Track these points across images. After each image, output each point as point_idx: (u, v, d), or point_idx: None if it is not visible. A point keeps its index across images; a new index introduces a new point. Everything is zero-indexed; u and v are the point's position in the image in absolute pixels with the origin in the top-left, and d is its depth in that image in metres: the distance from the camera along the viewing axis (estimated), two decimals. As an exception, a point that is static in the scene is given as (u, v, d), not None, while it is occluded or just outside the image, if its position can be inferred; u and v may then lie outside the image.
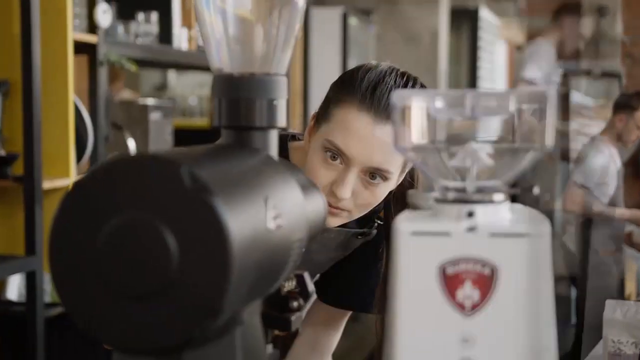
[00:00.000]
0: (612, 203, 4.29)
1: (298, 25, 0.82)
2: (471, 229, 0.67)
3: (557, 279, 4.06)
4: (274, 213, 0.69)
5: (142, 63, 3.13)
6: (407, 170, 1.34)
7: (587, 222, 4.28)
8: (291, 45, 0.82)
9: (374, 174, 1.25)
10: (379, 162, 1.23)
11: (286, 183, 0.75)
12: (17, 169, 2.42)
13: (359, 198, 1.27)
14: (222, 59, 0.81)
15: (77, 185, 0.62)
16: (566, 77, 4.59)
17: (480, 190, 0.70)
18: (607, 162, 4.30)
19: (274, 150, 0.80)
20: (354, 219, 1.32)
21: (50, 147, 2.47)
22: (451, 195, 0.70)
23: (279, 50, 0.81)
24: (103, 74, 2.67)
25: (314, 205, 0.84)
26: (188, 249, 0.59)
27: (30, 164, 2.34)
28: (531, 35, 9.81)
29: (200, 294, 0.60)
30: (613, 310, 2.04)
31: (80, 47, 2.63)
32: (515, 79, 4.38)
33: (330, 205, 1.25)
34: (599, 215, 4.17)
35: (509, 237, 0.66)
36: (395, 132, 0.70)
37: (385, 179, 1.26)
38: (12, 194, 2.48)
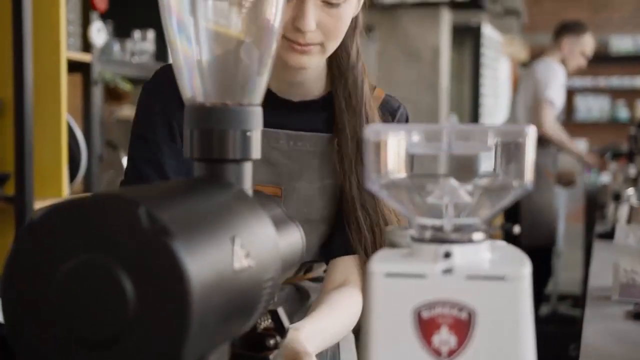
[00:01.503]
0: None
1: (272, 55, 0.79)
2: (447, 271, 0.64)
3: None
4: (243, 252, 0.66)
5: (139, 81, 3.11)
6: None
7: (537, 142, 4.34)
8: (266, 75, 0.79)
9: None
10: None
11: (258, 219, 0.72)
12: (9, 188, 2.39)
13: (325, 26, 1.22)
14: (194, 88, 0.78)
15: (31, 224, 0.59)
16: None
17: (458, 228, 0.67)
18: (563, 81, 4.37)
19: (247, 182, 0.77)
20: (330, 53, 1.27)
21: (42, 166, 2.44)
22: (428, 234, 0.67)
23: (253, 80, 0.78)
24: (97, 92, 2.64)
25: (289, 240, 0.81)
26: (146, 293, 0.56)
27: (22, 184, 2.32)
28: (534, 52, 9.81)
29: (158, 342, 0.56)
30: (625, 235, 1.89)
31: (75, 66, 2.61)
32: (535, 97, 4.34)
33: (299, 44, 1.21)
34: (554, 139, 4.26)
35: (487, 279, 0.63)
36: (368, 167, 0.67)
37: None
38: (3, 214, 2.45)
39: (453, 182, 0.67)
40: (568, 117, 10.10)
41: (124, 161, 2.93)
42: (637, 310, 1.68)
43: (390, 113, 1.39)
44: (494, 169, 0.67)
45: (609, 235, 2.67)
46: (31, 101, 2.37)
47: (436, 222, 0.67)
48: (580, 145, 9.95)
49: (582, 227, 5.60)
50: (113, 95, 3.43)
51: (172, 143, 1.29)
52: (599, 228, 3.28)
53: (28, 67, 2.36)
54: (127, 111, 4.01)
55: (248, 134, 0.77)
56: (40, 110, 2.45)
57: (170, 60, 0.81)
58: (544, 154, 4.35)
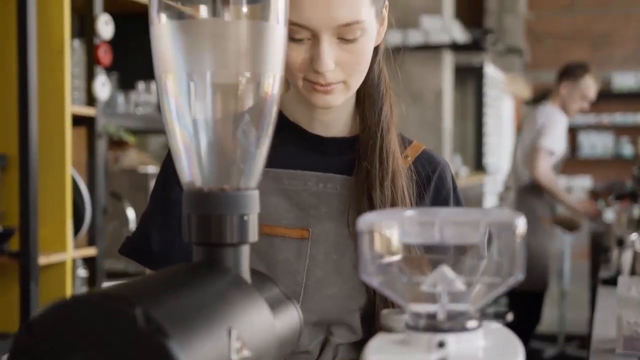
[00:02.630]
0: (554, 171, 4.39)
1: (270, 132, 0.81)
2: (441, 362, 0.64)
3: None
4: (239, 344, 0.67)
5: (143, 132, 3.14)
6: (384, 10, 1.23)
7: (530, 187, 4.31)
8: (262, 159, 0.81)
9: (347, 31, 1.14)
10: (343, 17, 1.12)
11: (254, 306, 0.73)
12: (14, 244, 2.40)
13: (344, 64, 1.16)
14: (192, 174, 0.79)
15: (30, 324, 0.60)
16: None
17: (452, 317, 0.68)
18: (564, 128, 4.37)
19: (245, 266, 0.78)
20: (356, 88, 1.21)
21: (47, 221, 2.46)
22: (422, 322, 0.67)
23: (250, 163, 0.79)
24: (102, 145, 2.67)
25: (286, 322, 0.82)
26: (142, 393, 0.57)
27: (26, 240, 2.33)
28: (537, 89, 9.86)
29: None
30: (627, 287, 1.87)
31: (79, 120, 2.64)
32: (532, 143, 4.38)
33: (320, 84, 1.16)
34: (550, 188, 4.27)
35: (481, 370, 0.64)
36: (361, 258, 0.68)
37: (361, 31, 1.15)
38: (7, 269, 2.46)
39: (447, 270, 0.68)
40: (572, 154, 10.14)
41: (129, 212, 2.95)
42: (640, 365, 1.68)
43: (430, 168, 1.31)
44: (487, 258, 0.68)
45: (613, 281, 2.67)
46: (36, 156, 2.39)
47: (430, 308, 0.68)
48: (585, 182, 9.97)
49: (588, 265, 5.59)
50: (117, 143, 3.45)
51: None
52: (604, 273, 3.27)
53: (33, 122, 2.39)
54: (132, 160, 4.04)
55: (245, 218, 0.78)
56: (45, 165, 2.47)
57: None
58: (539, 199, 4.37)
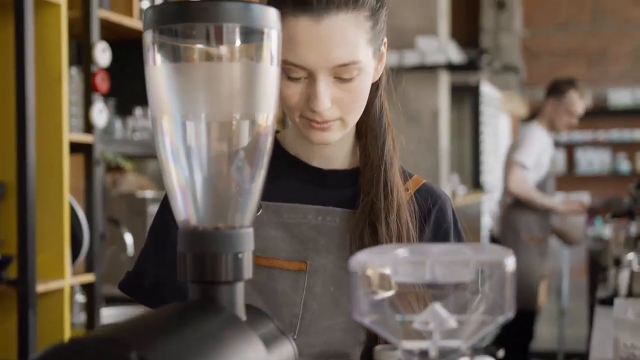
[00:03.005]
0: (541, 188, 4.37)
1: (262, 178, 0.82)
2: (433, 400, 0.65)
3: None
4: (234, 383, 0.68)
5: (140, 157, 3.15)
6: (382, 47, 1.22)
7: (513, 205, 4.32)
8: (256, 197, 0.82)
9: (343, 71, 1.13)
10: (339, 57, 1.12)
11: (248, 344, 0.74)
12: (11, 271, 2.41)
13: (341, 102, 1.16)
14: (187, 212, 0.80)
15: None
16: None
17: (444, 353, 0.69)
18: (544, 145, 4.39)
19: (239, 303, 0.79)
20: (352, 125, 1.21)
21: (45, 248, 2.47)
22: (414, 359, 0.68)
23: (244, 201, 0.81)
24: (99, 172, 2.68)
25: (282, 357, 0.83)
26: None
27: (24, 268, 2.34)
28: (533, 107, 9.90)
29: None
30: (624, 309, 1.87)
31: (77, 146, 2.65)
32: (507, 158, 4.44)
33: (317, 122, 1.16)
34: (530, 200, 4.27)
35: (472, 408, 0.65)
36: (354, 297, 0.69)
37: (358, 70, 1.15)
38: (5, 297, 2.47)
39: (439, 308, 0.69)
40: (569, 171, 10.16)
41: (127, 237, 2.96)
42: (637, 388, 1.68)
43: (431, 202, 1.31)
44: (478, 296, 0.69)
45: (610, 301, 2.67)
46: (34, 184, 2.41)
47: (422, 345, 0.69)
48: (583, 198, 9.99)
49: (586, 282, 5.59)
50: (115, 167, 3.47)
51: None
52: (601, 292, 3.28)
53: (31, 150, 2.40)
54: (130, 183, 4.05)
55: (240, 256, 0.79)
56: (43, 192, 2.48)
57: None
58: (524, 216, 4.37)
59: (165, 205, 1.32)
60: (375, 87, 1.26)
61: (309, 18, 1.11)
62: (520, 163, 4.27)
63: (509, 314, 0.67)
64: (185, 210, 0.80)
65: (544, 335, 6.67)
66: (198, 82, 0.79)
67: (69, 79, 2.59)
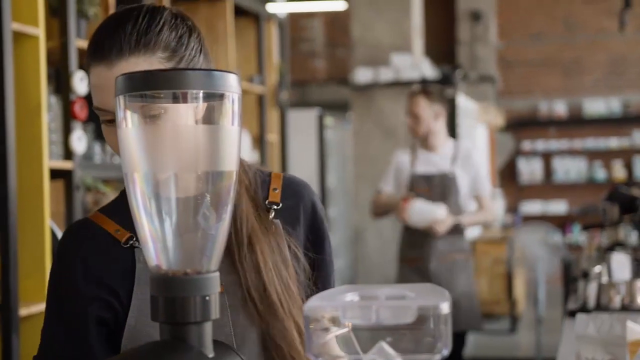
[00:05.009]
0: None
1: (227, 225, 0.90)
2: None
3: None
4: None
5: (118, 181, 3.21)
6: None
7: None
8: (222, 243, 0.90)
9: (146, 111, 1.11)
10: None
11: (215, 381, 0.82)
12: (-6, 296, 2.47)
13: None
14: (158, 258, 0.88)
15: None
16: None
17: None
18: (397, 165, 4.20)
19: (208, 341, 0.87)
20: None
21: (27, 273, 2.52)
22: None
23: (210, 249, 0.88)
24: (79, 198, 2.75)
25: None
26: None
27: (7, 293, 2.40)
28: (510, 116, 10.04)
29: None
30: (585, 325, 1.96)
31: (57, 173, 2.72)
32: (411, 175, 4.24)
33: None
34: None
35: None
36: (307, 338, 0.77)
37: (164, 109, 1.08)
38: (-12, 323, 2.53)
39: (385, 346, 0.77)
40: (547, 179, 10.32)
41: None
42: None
43: (298, 193, 1.36)
44: (419, 335, 0.77)
45: (580, 312, 2.76)
46: (15, 210, 2.47)
47: (371, 380, 0.77)
48: (560, 206, 10.13)
49: (561, 289, 5.69)
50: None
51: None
52: (572, 304, 3.37)
53: (12, 177, 2.46)
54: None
55: (207, 298, 0.87)
56: (24, 218, 2.54)
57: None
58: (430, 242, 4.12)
59: (69, 266, 1.28)
60: None
61: (104, 65, 1.18)
62: (377, 190, 4.17)
63: (444, 351, 0.76)
64: (156, 257, 0.88)
65: (522, 342, 6.78)
66: (166, 142, 0.87)
67: (48, 108, 2.66)
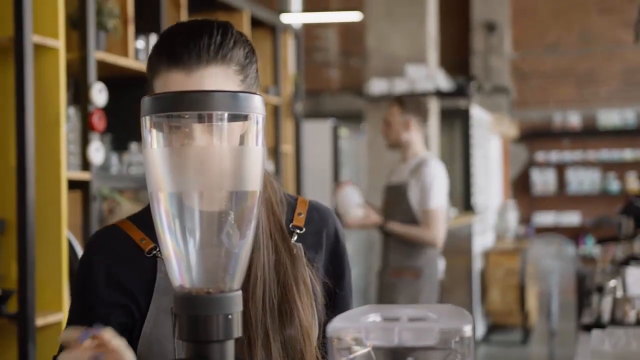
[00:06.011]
0: None
1: (249, 244, 0.91)
2: None
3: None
4: None
5: (135, 191, 3.24)
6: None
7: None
8: (244, 262, 0.91)
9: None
10: None
11: (238, 400, 0.83)
12: (11, 306, 2.49)
13: None
14: (182, 277, 0.89)
15: None
16: None
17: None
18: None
19: (230, 359, 0.88)
20: None
21: (44, 283, 2.54)
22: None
23: (233, 268, 0.89)
24: (96, 208, 2.77)
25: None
26: None
27: (24, 302, 2.42)
28: (524, 127, 10.02)
29: None
30: (601, 341, 1.96)
31: (75, 183, 2.74)
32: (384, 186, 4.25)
33: None
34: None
35: None
36: (331, 358, 0.78)
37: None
38: (5, 331, 2.54)
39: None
40: (560, 190, 10.28)
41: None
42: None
43: (322, 220, 1.37)
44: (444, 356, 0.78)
45: (595, 326, 2.75)
46: (33, 220, 2.49)
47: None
48: (573, 217, 10.09)
49: (575, 301, 5.66)
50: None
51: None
52: (586, 318, 3.35)
53: (30, 188, 2.49)
54: (127, 210, 4.13)
55: (230, 317, 0.88)
56: (42, 229, 2.56)
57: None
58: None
59: (91, 274, 1.30)
60: None
61: (182, 71, 1.19)
62: None
63: (466, 373, 0.76)
64: (179, 276, 0.89)
65: (534, 354, 6.76)
66: (191, 163, 0.88)
67: (66, 119, 2.68)
